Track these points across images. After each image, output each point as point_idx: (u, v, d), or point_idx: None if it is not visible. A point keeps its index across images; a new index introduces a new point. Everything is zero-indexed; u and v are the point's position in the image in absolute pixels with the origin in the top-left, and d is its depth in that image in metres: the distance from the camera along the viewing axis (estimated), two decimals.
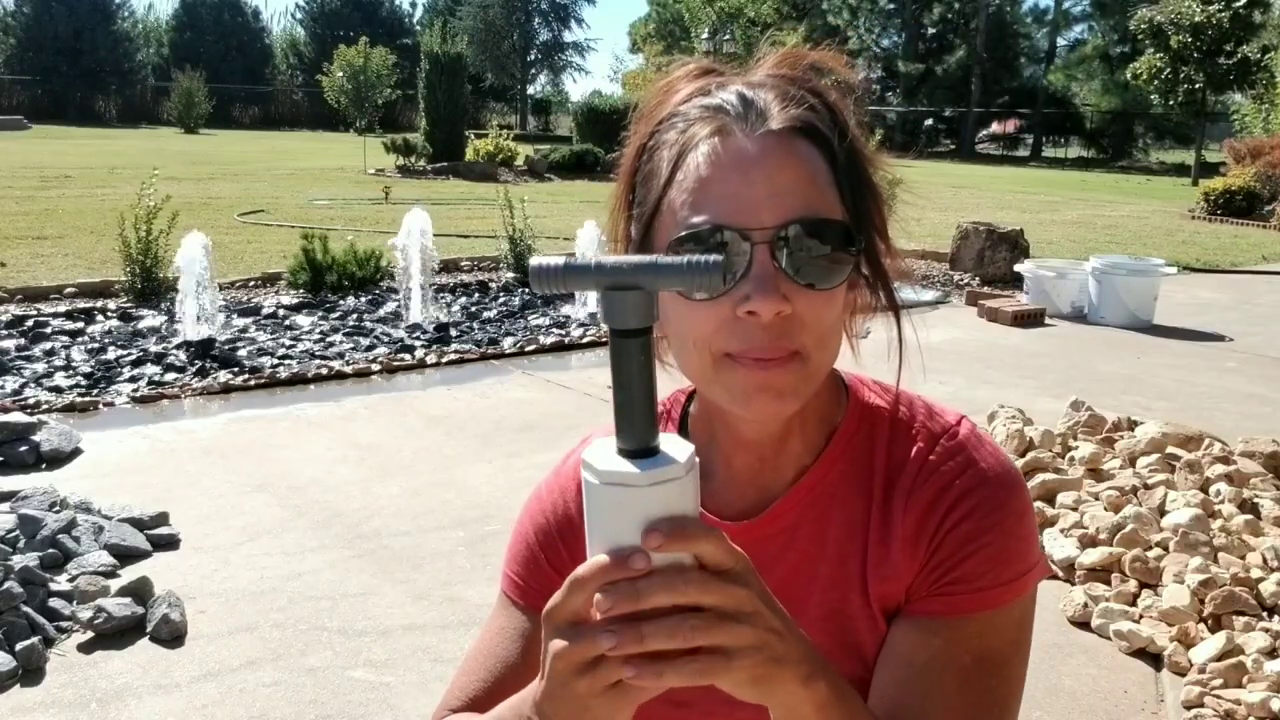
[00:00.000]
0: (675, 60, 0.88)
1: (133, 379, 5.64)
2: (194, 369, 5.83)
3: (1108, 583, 3.37)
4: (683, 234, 0.77)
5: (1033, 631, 0.86)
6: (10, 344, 6.23)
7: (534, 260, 0.60)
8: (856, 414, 0.89)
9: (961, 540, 0.82)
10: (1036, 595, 0.87)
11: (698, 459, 0.63)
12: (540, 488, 0.97)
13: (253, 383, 5.60)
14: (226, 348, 6.30)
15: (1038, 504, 3.80)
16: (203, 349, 6.13)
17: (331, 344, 6.57)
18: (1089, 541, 3.55)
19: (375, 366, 6.01)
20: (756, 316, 0.75)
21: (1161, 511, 3.72)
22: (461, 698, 0.93)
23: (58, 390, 5.38)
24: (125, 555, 3.45)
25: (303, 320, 7.23)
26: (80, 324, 6.85)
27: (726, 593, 0.61)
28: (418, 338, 6.77)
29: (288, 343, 6.55)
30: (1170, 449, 4.13)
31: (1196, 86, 26.61)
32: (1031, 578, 0.84)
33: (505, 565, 0.97)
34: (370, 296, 7.98)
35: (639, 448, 0.62)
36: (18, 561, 3.16)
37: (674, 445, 0.63)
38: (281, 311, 7.47)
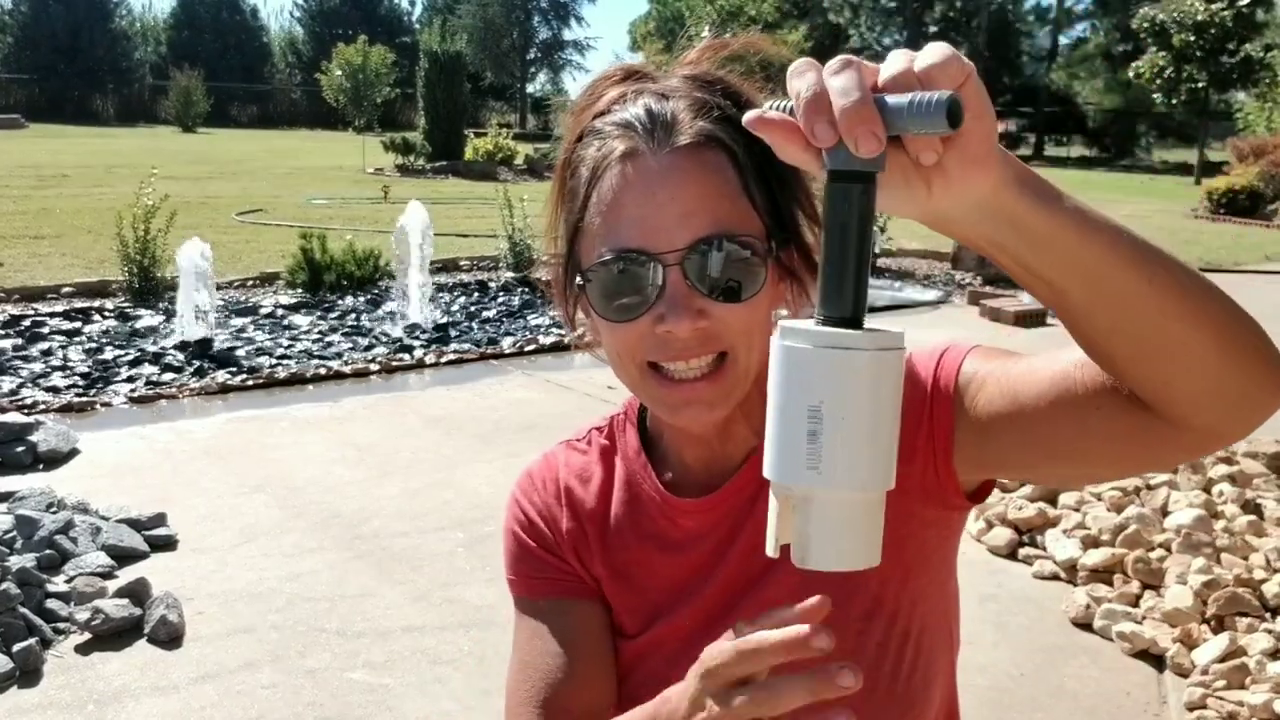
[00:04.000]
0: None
1: (130, 379, 5.62)
2: (192, 369, 5.81)
3: (1110, 584, 3.36)
4: (598, 260, 0.81)
5: None
6: (7, 344, 6.21)
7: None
8: None
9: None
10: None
11: (903, 349, 0.57)
12: (514, 494, 1.01)
13: (251, 383, 5.59)
14: (224, 348, 6.29)
15: (1040, 504, 3.79)
16: (200, 349, 6.12)
17: (330, 344, 6.56)
18: (1091, 542, 3.53)
19: (374, 366, 5.99)
20: (673, 334, 0.79)
21: (1164, 512, 3.70)
22: (537, 710, 0.91)
23: (55, 390, 5.36)
24: (123, 556, 3.43)
25: (301, 320, 7.21)
26: (77, 324, 6.83)
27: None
28: (417, 337, 6.76)
29: (286, 342, 6.53)
30: None
31: (1199, 85, 26.60)
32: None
33: (509, 572, 0.98)
34: (369, 296, 7.97)
35: (847, 316, 0.55)
36: (15, 562, 3.15)
37: (884, 327, 0.57)
38: (280, 311, 7.45)
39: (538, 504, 0.98)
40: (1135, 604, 3.24)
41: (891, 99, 0.52)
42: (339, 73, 29.29)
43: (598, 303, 0.82)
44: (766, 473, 0.58)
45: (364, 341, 6.63)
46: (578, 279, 0.84)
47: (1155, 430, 0.67)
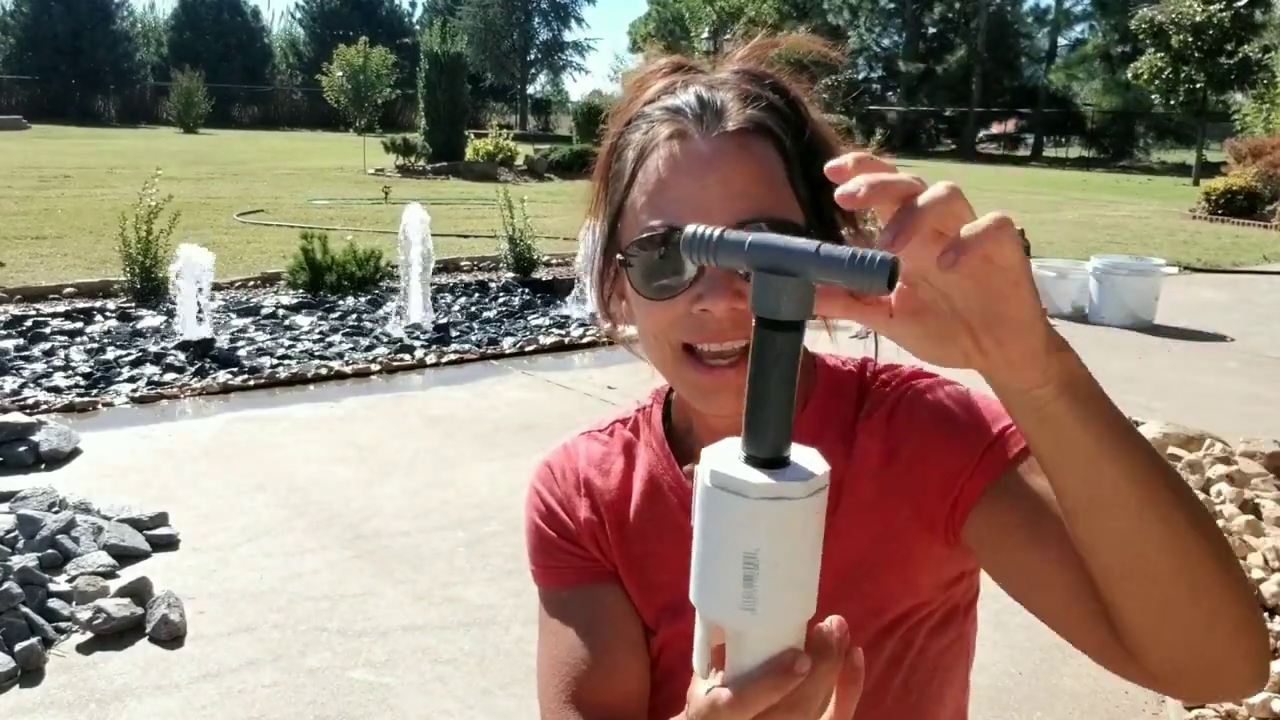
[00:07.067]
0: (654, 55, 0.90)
1: (132, 379, 5.63)
2: (193, 369, 5.82)
3: None
4: (639, 236, 0.81)
5: None
6: (9, 344, 6.21)
7: (689, 227, 0.56)
8: (825, 383, 0.92)
9: (930, 424, 0.84)
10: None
11: (828, 484, 0.57)
12: (533, 484, 1.01)
13: (252, 383, 5.60)
14: (226, 348, 6.30)
15: None
16: (202, 349, 6.13)
17: (331, 344, 6.57)
18: None
19: (375, 366, 6.00)
20: (710, 314, 0.79)
21: None
22: (571, 705, 0.91)
23: (57, 390, 5.37)
24: (124, 556, 3.44)
25: (302, 320, 7.22)
26: (79, 324, 6.84)
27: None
28: (417, 338, 6.77)
29: (287, 343, 6.54)
30: (1171, 449, 4.13)
31: (1197, 86, 26.64)
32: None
33: (532, 564, 0.99)
34: (370, 296, 7.98)
35: (767, 457, 0.55)
36: (17, 562, 3.16)
37: (808, 461, 0.56)
38: (281, 311, 7.46)
39: (557, 494, 0.98)
40: None
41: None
42: (340, 74, 29.33)
43: (637, 281, 0.82)
44: (696, 602, 0.59)
45: (365, 341, 6.64)
46: (618, 256, 0.84)
47: (1117, 647, 0.68)
